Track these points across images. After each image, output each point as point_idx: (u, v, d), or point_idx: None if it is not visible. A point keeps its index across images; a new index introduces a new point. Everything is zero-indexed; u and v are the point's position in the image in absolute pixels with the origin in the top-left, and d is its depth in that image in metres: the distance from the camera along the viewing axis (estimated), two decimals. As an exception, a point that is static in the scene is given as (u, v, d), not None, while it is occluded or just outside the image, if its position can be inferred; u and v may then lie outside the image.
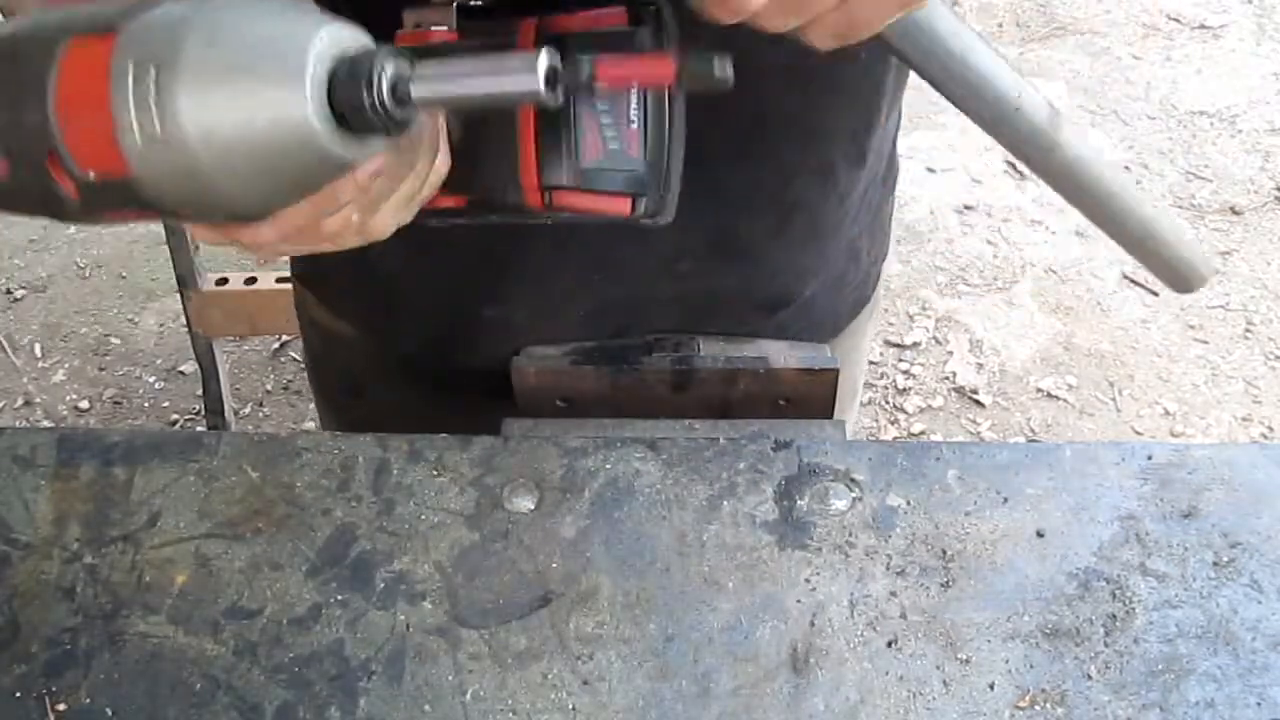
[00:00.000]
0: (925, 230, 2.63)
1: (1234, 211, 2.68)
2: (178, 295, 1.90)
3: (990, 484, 0.72)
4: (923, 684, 0.63)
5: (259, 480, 0.73)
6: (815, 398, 0.79)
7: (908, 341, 2.44)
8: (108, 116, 0.35)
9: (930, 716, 0.62)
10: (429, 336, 0.85)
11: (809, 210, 0.77)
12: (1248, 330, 2.43)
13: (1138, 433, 2.25)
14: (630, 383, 0.79)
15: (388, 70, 0.37)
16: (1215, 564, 0.68)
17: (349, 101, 0.36)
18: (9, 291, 2.53)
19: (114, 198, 0.38)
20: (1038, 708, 0.62)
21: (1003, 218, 2.71)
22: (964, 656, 0.64)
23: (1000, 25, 3.39)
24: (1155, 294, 2.50)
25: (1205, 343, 2.41)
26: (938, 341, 2.45)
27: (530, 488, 0.72)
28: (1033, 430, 2.27)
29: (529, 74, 0.37)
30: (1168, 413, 2.28)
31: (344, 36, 0.37)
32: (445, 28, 0.50)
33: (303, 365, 2.46)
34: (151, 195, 0.37)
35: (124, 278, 2.55)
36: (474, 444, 0.75)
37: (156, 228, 2.19)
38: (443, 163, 0.51)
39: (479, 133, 0.51)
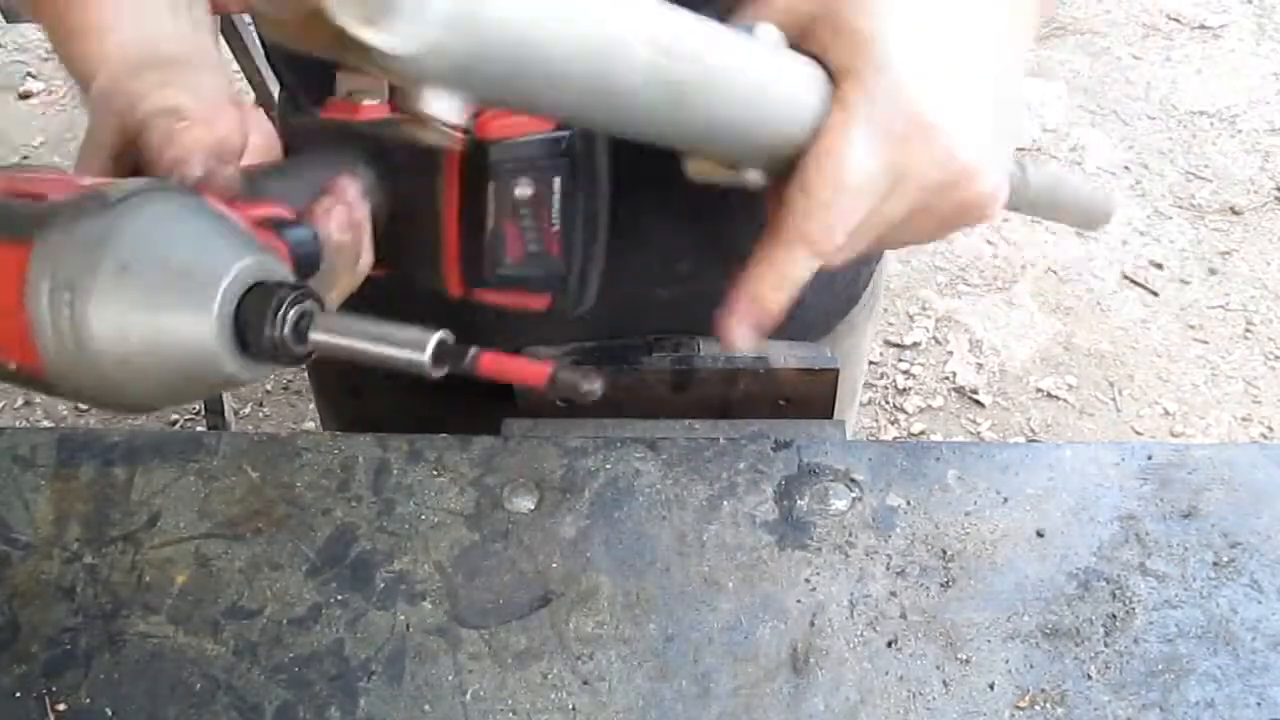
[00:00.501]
0: (925, 230, 2.63)
1: (1234, 211, 2.68)
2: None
3: (990, 484, 0.72)
4: (923, 684, 0.63)
5: (259, 480, 0.73)
6: (815, 398, 0.79)
7: (908, 341, 2.44)
8: (24, 322, 0.37)
9: (930, 716, 0.62)
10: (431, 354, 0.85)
11: None
12: (1248, 330, 2.43)
13: (1138, 433, 2.25)
14: (630, 383, 0.79)
15: (292, 312, 0.39)
16: (1215, 564, 0.68)
17: (253, 331, 0.38)
18: (9, 291, 2.52)
19: (24, 381, 0.40)
20: (1038, 708, 0.62)
21: (1002, 217, 2.71)
22: (964, 656, 0.64)
23: (1000, 25, 3.38)
24: (1155, 294, 2.51)
25: (1205, 343, 2.41)
26: (938, 341, 2.45)
27: (530, 488, 0.72)
28: (1033, 430, 2.27)
29: (418, 351, 0.40)
30: (1168, 413, 2.28)
31: (259, 266, 0.39)
32: (378, 101, 0.51)
33: (302, 365, 2.46)
34: (66, 389, 0.39)
35: (124, 278, 2.54)
36: (474, 444, 0.75)
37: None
38: (366, 263, 0.52)
39: (405, 225, 0.53)
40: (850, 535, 0.70)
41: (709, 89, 0.43)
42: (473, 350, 0.40)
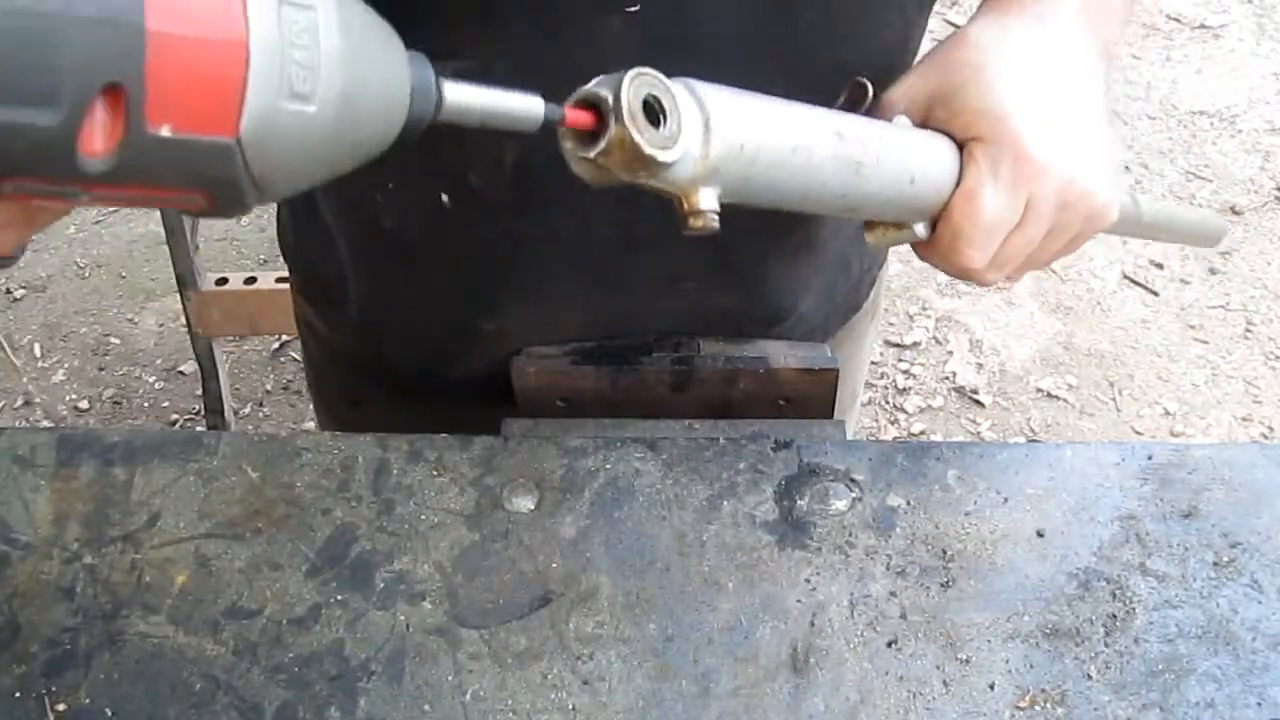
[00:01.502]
0: (925, 230, 2.63)
1: (1234, 211, 2.68)
2: (177, 295, 1.90)
3: (990, 484, 0.72)
4: (923, 684, 0.63)
5: (259, 480, 0.73)
6: (815, 398, 0.79)
7: (908, 341, 2.44)
8: (242, 70, 0.33)
9: (930, 716, 0.62)
10: (427, 351, 0.85)
11: (804, 227, 0.77)
12: (1248, 330, 2.43)
13: (1138, 433, 2.25)
14: (630, 383, 0.79)
15: (435, 74, 0.41)
16: (1215, 564, 0.68)
17: (421, 85, 0.40)
18: (9, 291, 2.53)
19: (217, 149, 0.35)
20: (1038, 708, 0.62)
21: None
22: (964, 656, 0.64)
23: (1000, 25, 3.38)
24: (1155, 294, 2.51)
25: (1205, 343, 2.41)
26: (938, 341, 2.45)
27: (530, 488, 0.72)
28: (1033, 430, 2.27)
29: (533, 111, 0.43)
30: (1168, 413, 2.28)
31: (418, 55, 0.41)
32: None
33: (302, 365, 2.46)
34: (252, 154, 0.35)
35: (124, 278, 2.55)
36: (474, 444, 0.75)
37: (155, 226, 2.19)
38: None
39: None
40: (850, 535, 0.70)
41: (878, 161, 0.55)
42: (560, 109, 0.44)
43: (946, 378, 2.38)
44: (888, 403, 2.34)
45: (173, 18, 0.31)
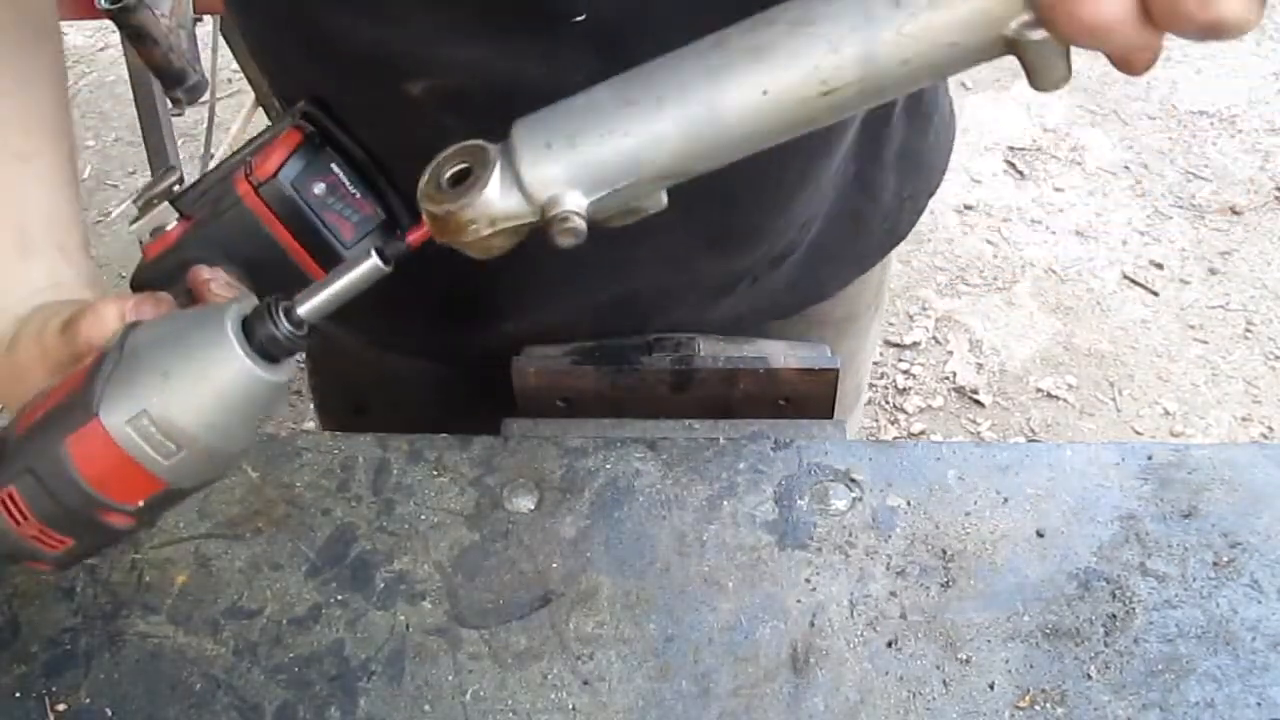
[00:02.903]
0: (925, 230, 2.63)
1: (1234, 211, 2.68)
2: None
3: (990, 484, 0.72)
4: (923, 684, 0.63)
5: (259, 480, 0.73)
6: (815, 398, 0.79)
7: (907, 341, 2.44)
8: (131, 462, 0.47)
9: (930, 716, 0.62)
10: (429, 350, 0.85)
11: (805, 166, 0.76)
12: (1248, 330, 2.43)
13: (1137, 433, 2.25)
14: (630, 382, 0.79)
15: (279, 311, 0.48)
16: (1215, 564, 0.68)
17: (265, 341, 0.48)
18: (9, 291, 2.52)
19: (158, 510, 0.51)
20: (1038, 708, 0.62)
21: (1002, 217, 2.71)
22: (964, 656, 0.64)
23: (1000, 25, 3.38)
24: (1155, 294, 2.51)
25: (1205, 343, 2.41)
26: (937, 341, 2.45)
27: (530, 488, 0.72)
28: (1033, 430, 2.27)
29: (370, 260, 0.48)
30: (1168, 413, 2.28)
31: (238, 306, 0.49)
32: (173, 222, 0.66)
33: (302, 365, 2.46)
34: (188, 483, 0.50)
35: (124, 277, 2.55)
36: (474, 444, 0.75)
37: (156, 227, 2.19)
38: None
39: (272, 274, 0.65)
40: (850, 535, 0.70)
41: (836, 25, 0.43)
42: (401, 241, 0.49)
43: (946, 378, 2.38)
44: (888, 403, 2.34)
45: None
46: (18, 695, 0.64)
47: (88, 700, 0.64)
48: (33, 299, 0.61)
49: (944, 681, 0.63)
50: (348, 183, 0.67)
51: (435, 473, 0.73)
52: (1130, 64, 0.42)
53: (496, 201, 0.46)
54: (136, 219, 0.67)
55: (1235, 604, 0.66)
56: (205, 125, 2.17)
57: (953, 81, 0.89)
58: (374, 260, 0.48)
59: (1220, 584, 0.67)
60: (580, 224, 0.46)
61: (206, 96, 1.94)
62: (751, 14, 0.60)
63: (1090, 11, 0.39)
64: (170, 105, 1.90)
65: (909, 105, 0.82)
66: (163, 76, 1.79)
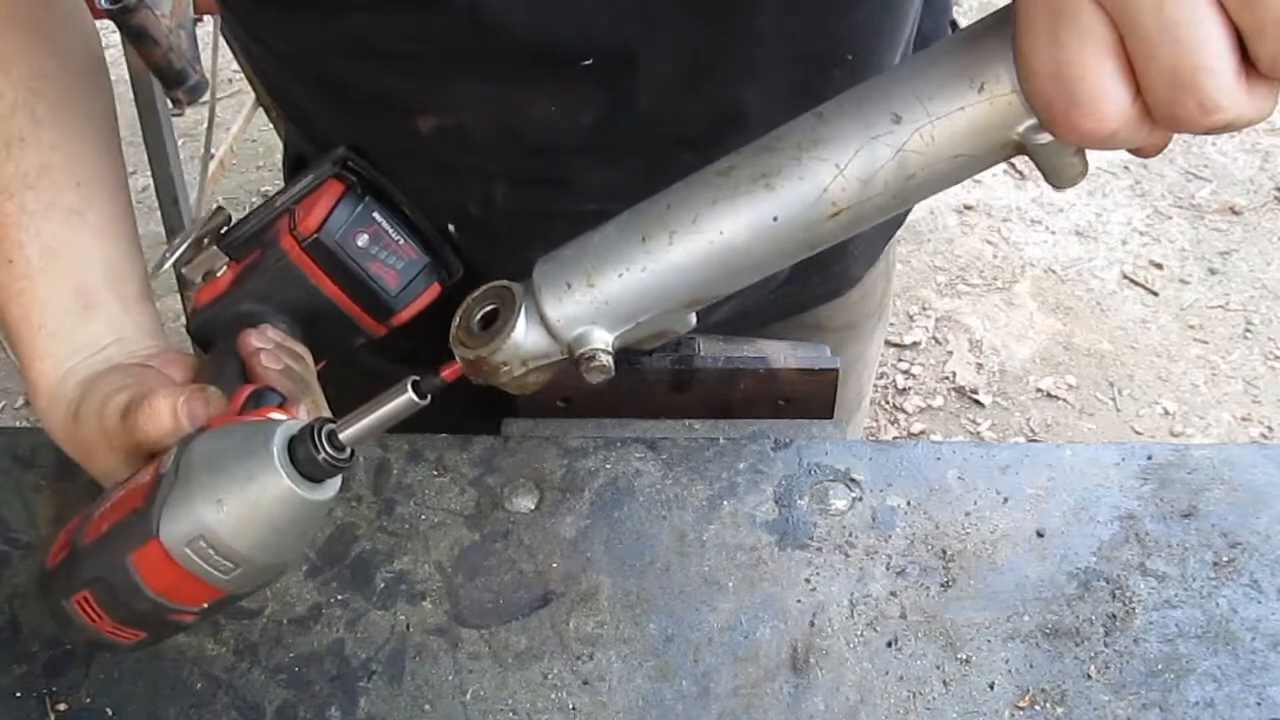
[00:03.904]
0: (925, 230, 2.64)
1: (1234, 211, 2.68)
2: (178, 295, 1.90)
3: (990, 484, 0.72)
4: (923, 684, 0.63)
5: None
6: (815, 398, 0.79)
7: (907, 341, 2.44)
8: (192, 578, 0.50)
9: (930, 716, 0.62)
10: (433, 359, 0.85)
11: None
12: (1247, 330, 2.43)
13: (1137, 433, 2.25)
14: (630, 382, 0.79)
15: (321, 437, 0.50)
16: (1215, 564, 0.68)
17: (309, 464, 0.50)
18: (9, 291, 2.52)
19: (221, 608, 0.55)
20: (1038, 707, 0.62)
21: (1002, 217, 2.71)
22: (964, 656, 0.64)
23: (1000, 25, 3.39)
24: (1155, 294, 2.51)
25: (1205, 342, 2.41)
26: (937, 341, 2.45)
27: (530, 487, 0.72)
28: (1032, 430, 2.27)
29: (405, 394, 0.50)
30: (1167, 412, 2.28)
31: (282, 429, 0.51)
32: (225, 266, 0.68)
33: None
34: (246, 590, 0.53)
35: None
36: (474, 444, 0.75)
37: (156, 226, 2.19)
38: (314, 366, 0.65)
39: (322, 325, 0.67)
40: (850, 535, 0.70)
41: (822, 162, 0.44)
42: (437, 377, 0.51)
43: (946, 378, 2.38)
44: (888, 403, 2.34)
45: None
46: (18, 695, 0.64)
47: (88, 700, 0.64)
48: (96, 359, 0.62)
49: (944, 681, 0.63)
50: (390, 230, 0.68)
51: (436, 473, 0.74)
52: (1142, 154, 0.42)
53: (525, 344, 0.47)
54: (185, 259, 0.68)
55: (1235, 604, 0.66)
56: (206, 125, 2.17)
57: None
58: (409, 395, 0.50)
59: (1220, 584, 0.67)
60: (607, 360, 0.48)
61: (207, 96, 1.94)
62: (739, 38, 0.60)
63: (1092, 123, 0.38)
64: (170, 105, 1.90)
65: None
66: (163, 76, 1.79)
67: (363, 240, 0.67)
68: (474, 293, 0.50)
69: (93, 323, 0.63)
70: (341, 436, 0.51)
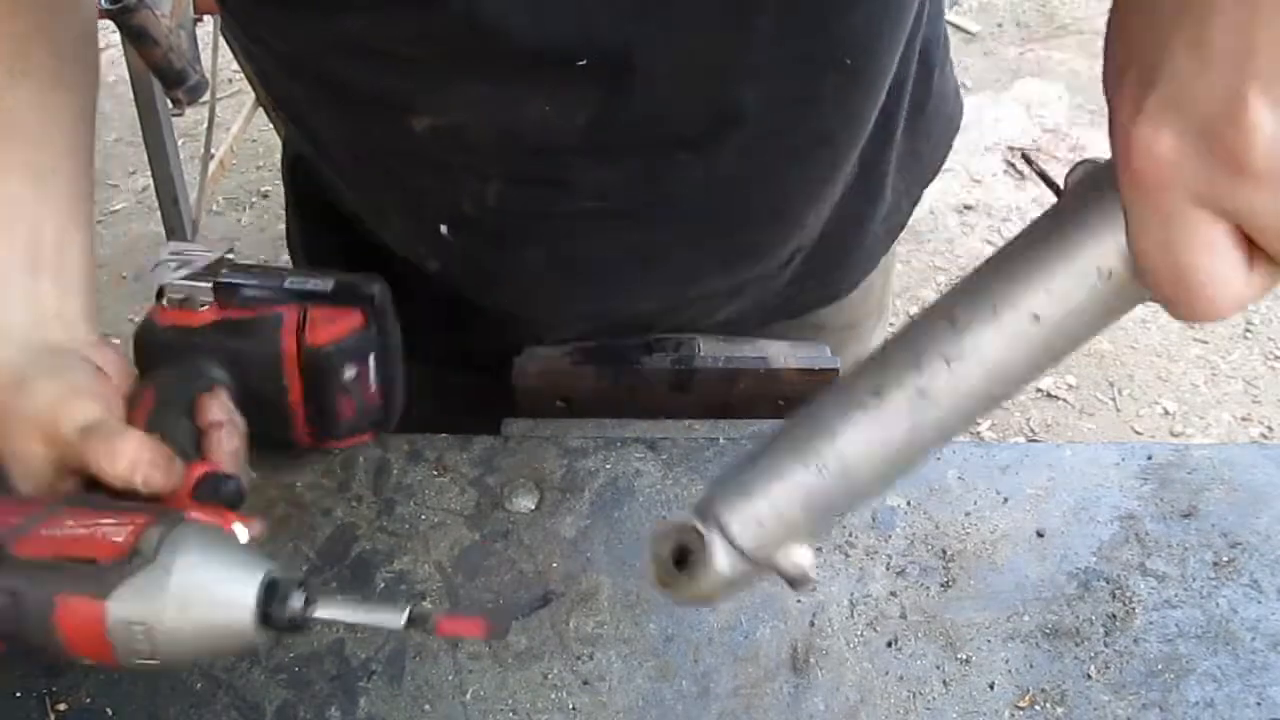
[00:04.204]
0: (925, 230, 2.63)
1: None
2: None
3: (990, 484, 0.72)
4: (923, 684, 0.63)
5: (260, 480, 0.73)
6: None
7: (907, 341, 2.44)
8: (107, 644, 0.51)
9: (930, 716, 0.62)
10: (431, 357, 0.85)
11: (811, 195, 0.76)
12: (1247, 330, 2.43)
13: (1137, 433, 2.25)
14: (630, 382, 0.79)
15: (297, 600, 0.52)
16: (1215, 564, 0.68)
17: (275, 615, 0.51)
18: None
19: (96, 667, 0.56)
20: (1038, 707, 0.62)
21: (1002, 217, 2.71)
22: (964, 656, 0.64)
23: (1000, 25, 3.39)
24: (1155, 294, 2.51)
25: (1205, 343, 2.41)
26: (938, 341, 2.45)
27: (530, 487, 0.72)
28: (1032, 430, 2.27)
29: (396, 616, 0.52)
30: (1167, 412, 2.28)
31: (265, 572, 0.52)
32: (207, 305, 0.67)
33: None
34: (128, 670, 0.53)
35: (124, 278, 2.55)
36: (474, 444, 0.75)
37: (156, 227, 2.19)
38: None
39: (258, 408, 0.65)
40: (850, 535, 0.70)
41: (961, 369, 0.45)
42: (430, 617, 0.53)
43: (946, 378, 2.38)
44: (888, 403, 2.34)
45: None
46: (18, 695, 0.64)
47: (88, 700, 0.64)
48: (37, 328, 0.61)
49: (944, 681, 0.63)
50: (372, 373, 0.70)
51: (436, 473, 0.74)
52: None
53: (728, 575, 0.49)
54: (179, 273, 0.68)
55: (1235, 604, 0.66)
56: (206, 125, 2.18)
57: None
58: (401, 622, 0.52)
59: (1220, 584, 0.67)
60: (811, 571, 0.50)
61: (207, 96, 1.94)
62: (737, 38, 0.61)
63: (1214, 313, 0.39)
64: (170, 105, 1.91)
65: (912, 111, 0.83)
66: (163, 76, 1.79)
67: (349, 373, 0.69)
68: (655, 534, 0.51)
69: (40, 292, 0.62)
70: (315, 612, 0.52)
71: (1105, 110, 0.41)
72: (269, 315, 0.67)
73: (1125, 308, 0.43)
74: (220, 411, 0.62)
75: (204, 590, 0.51)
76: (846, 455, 0.47)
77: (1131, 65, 0.39)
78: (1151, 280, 0.40)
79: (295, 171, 0.87)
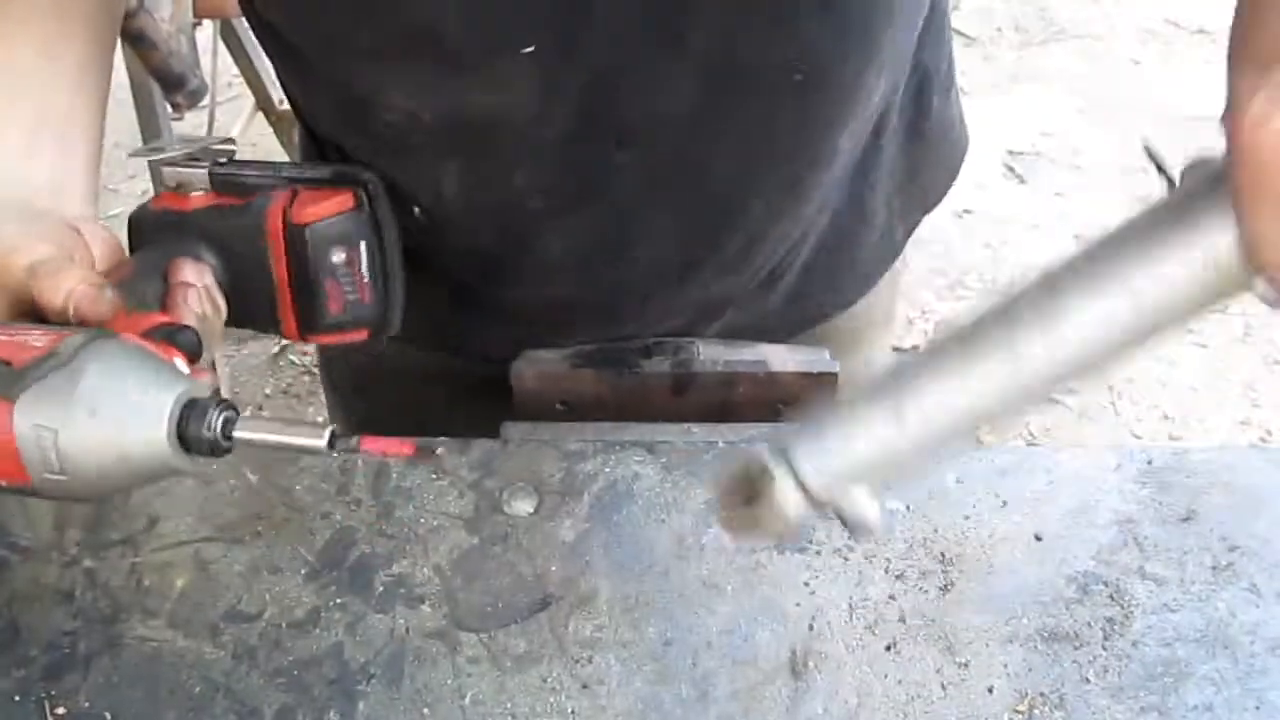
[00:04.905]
0: (925, 234, 2.63)
1: (1233, 215, 2.68)
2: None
3: (989, 487, 0.72)
4: (921, 687, 0.63)
5: (258, 483, 0.73)
6: (815, 401, 0.79)
7: (907, 344, 2.44)
8: (13, 452, 0.49)
9: (929, 720, 0.62)
10: (426, 345, 0.85)
11: (793, 182, 0.76)
12: (1246, 333, 2.43)
13: (1136, 436, 2.25)
14: (629, 386, 0.79)
15: (219, 421, 0.50)
16: (1214, 568, 0.68)
17: (192, 437, 0.50)
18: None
19: (11, 492, 0.51)
20: (1036, 712, 0.62)
21: (1002, 222, 2.71)
22: (963, 660, 0.64)
23: (999, 29, 3.40)
24: (1154, 298, 2.50)
25: (1204, 346, 2.41)
26: (937, 345, 2.45)
27: (529, 491, 0.72)
28: (1031, 434, 2.27)
29: (318, 438, 0.51)
30: (1166, 416, 2.28)
31: (186, 389, 0.50)
32: (202, 191, 0.67)
33: (302, 369, 2.46)
34: (46, 495, 0.51)
35: (123, 281, 2.54)
36: (473, 447, 0.75)
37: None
38: (223, 327, 0.64)
39: (245, 293, 0.66)
40: (849, 539, 0.70)
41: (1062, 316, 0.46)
42: (354, 437, 0.51)
43: (946, 381, 2.38)
44: (887, 406, 2.34)
45: None
46: (17, 699, 0.64)
47: (87, 704, 0.64)
48: (31, 197, 0.61)
49: (943, 685, 0.63)
50: (364, 265, 0.68)
51: (434, 476, 0.74)
52: None
53: (792, 513, 0.50)
54: (172, 159, 0.67)
55: (1234, 608, 0.66)
56: (205, 129, 2.17)
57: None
58: (321, 442, 0.51)
59: (1219, 587, 0.67)
60: (874, 520, 0.52)
61: (206, 101, 1.94)
62: (679, 47, 0.61)
63: None
64: (170, 110, 1.90)
65: (907, 126, 0.83)
66: (163, 81, 1.79)
67: (337, 257, 0.67)
68: (728, 469, 0.51)
69: (36, 158, 0.63)
70: (235, 432, 0.50)
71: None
72: (258, 198, 0.66)
73: (1228, 297, 0.44)
74: (193, 275, 0.61)
75: (116, 397, 0.48)
76: (926, 407, 0.47)
77: (1252, 54, 0.40)
78: (1258, 265, 0.40)
79: (308, 156, 0.88)
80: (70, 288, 0.55)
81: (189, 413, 0.49)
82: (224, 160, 0.68)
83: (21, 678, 0.65)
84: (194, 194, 0.67)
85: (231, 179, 0.67)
